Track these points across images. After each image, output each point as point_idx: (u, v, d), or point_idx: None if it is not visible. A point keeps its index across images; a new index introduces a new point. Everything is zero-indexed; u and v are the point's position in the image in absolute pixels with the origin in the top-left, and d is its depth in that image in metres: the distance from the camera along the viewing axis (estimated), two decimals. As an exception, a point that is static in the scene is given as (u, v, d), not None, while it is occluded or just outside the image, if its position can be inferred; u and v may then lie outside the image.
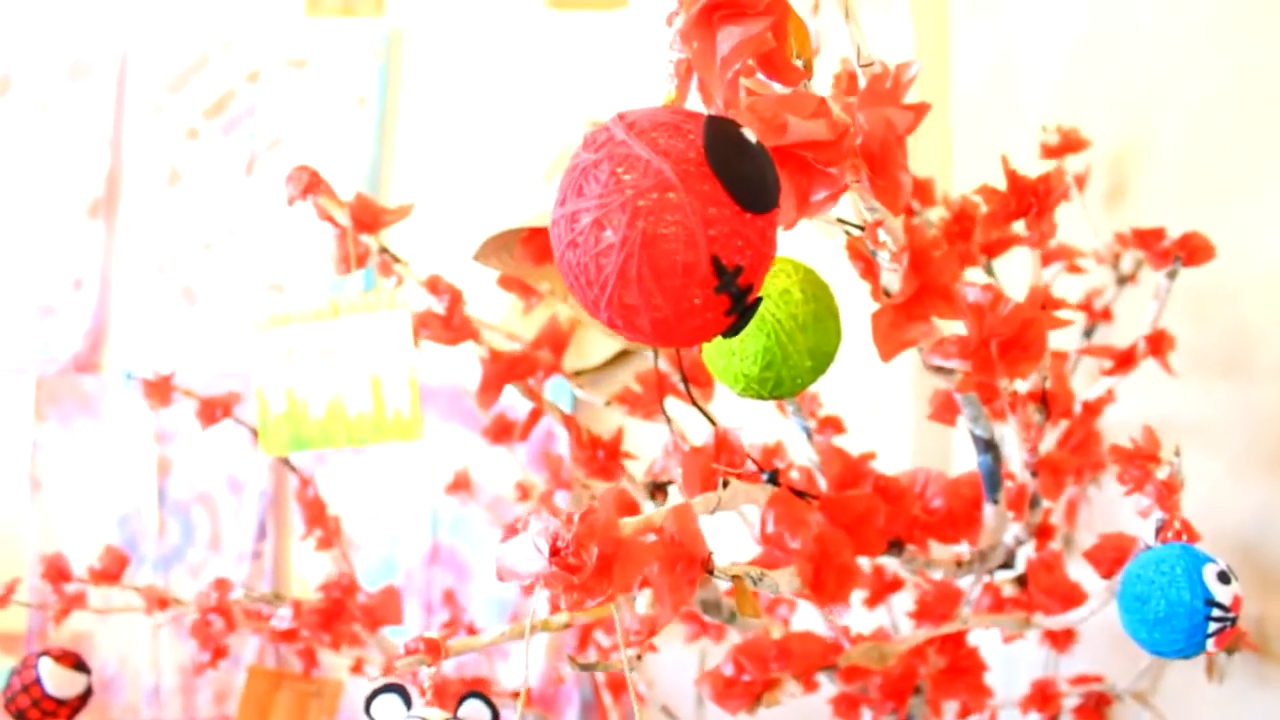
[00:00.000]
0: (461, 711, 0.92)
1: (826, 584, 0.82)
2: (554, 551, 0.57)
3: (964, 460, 2.07)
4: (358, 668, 1.79)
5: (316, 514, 1.55)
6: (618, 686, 1.79)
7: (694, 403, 0.89)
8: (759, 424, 1.30)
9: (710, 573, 0.69)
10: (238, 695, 2.20)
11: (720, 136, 0.48)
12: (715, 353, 0.83)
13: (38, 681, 1.46)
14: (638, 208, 0.47)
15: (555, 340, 1.21)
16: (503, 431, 1.58)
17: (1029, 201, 0.87)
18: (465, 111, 2.23)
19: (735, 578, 0.70)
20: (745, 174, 0.48)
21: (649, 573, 0.66)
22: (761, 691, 0.91)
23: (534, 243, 0.96)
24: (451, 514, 2.13)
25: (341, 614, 1.26)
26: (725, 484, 0.82)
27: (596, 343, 1.96)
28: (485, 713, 0.92)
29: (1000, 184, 1.00)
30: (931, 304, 0.83)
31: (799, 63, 0.55)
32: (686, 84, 0.54)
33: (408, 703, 0.91)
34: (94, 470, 2.24)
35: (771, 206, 0.49)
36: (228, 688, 2.18)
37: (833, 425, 1.50)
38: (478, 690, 0.92)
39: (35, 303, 2.31)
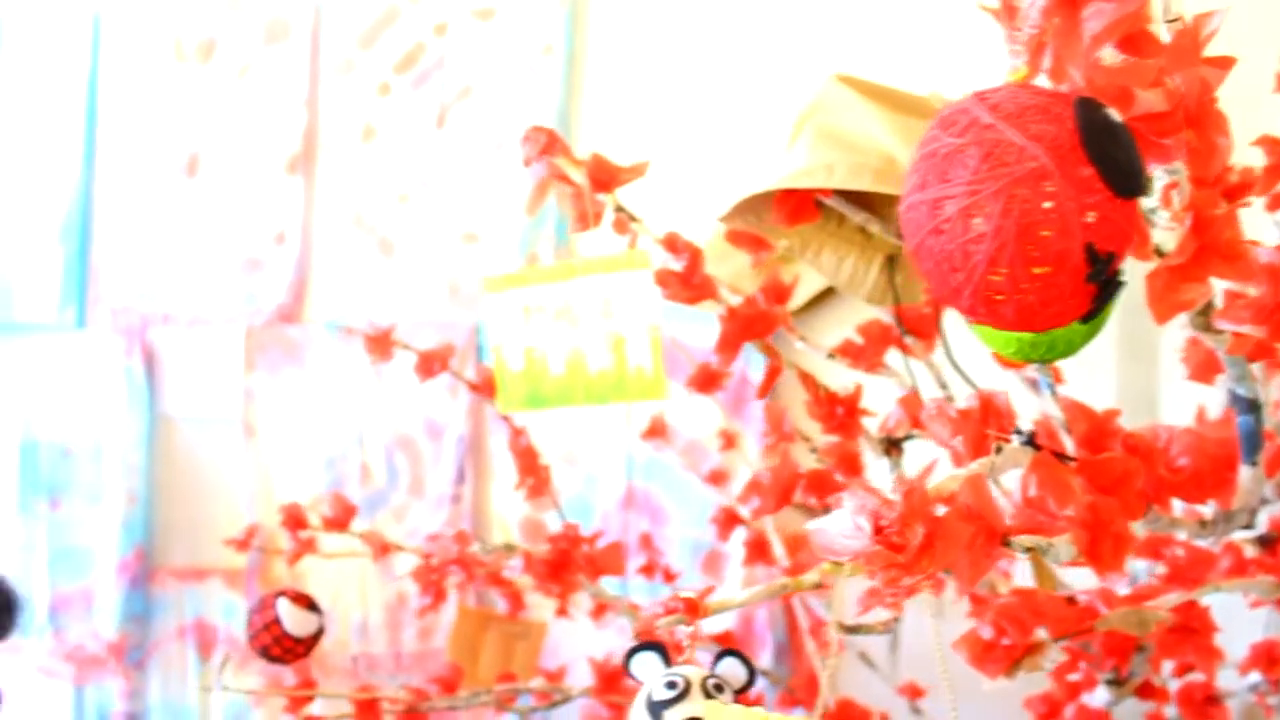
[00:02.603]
0: (718, 669, 0.93)
1: (1103, 552, 0.81)
2: (877, 530, 0.57)
3: (1171, 403, 2.00)
4: (563, 610, 1.84)
5: (529, 463, 1.59)
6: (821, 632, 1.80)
7: (951, 361, 0.88)
8: (976, 374, 1.28)
9: (1007, 544, 0.68)
10: (441, 631, 2.29)
11: (1094, 120, 0.47)
12: (984, 316, 0.82)
13: (278, 620, 1.55)
14: (1012, 195, 0.46)
15: (778, 293, 1.21)
16: (708, 381, 1.59)
17: (1321, 153, 0.83)
18: (657, 57, 2.23)
19: (1031, 550, 0.69)
20: (1119, 159, 0.46)
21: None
22: (1022, 656, 0.90)
23: (788, 203, 0.95)
24: (646, 458, 2.15)
25: (569, 565, 1.29)
26: (998, 449, 0.80)
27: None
28: (741, 671, 0.94)
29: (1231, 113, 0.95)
30: (1212, 265, 0.79)
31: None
32: (1039, 60, 0.52)
33: (666, 660, 0.93)
34: (302, 416, 2.34)
35: (1143, 190, 0.47)
36: (432, 624, 2.27)
37: (1052, 373, 1.47)
38: (734, 648, 0.94)
39: (242, 257, 2.41)
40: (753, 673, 0.94)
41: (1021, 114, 0.47)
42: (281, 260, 2.39)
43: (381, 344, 1.45)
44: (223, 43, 2.44)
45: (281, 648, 1.55)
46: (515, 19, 2.29)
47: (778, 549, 1.84)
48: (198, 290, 2.43)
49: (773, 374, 1.11)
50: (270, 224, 2.40)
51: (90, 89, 2.52)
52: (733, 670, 0.93)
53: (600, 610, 1.76)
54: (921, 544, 0.57)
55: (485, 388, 1.56)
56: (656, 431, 2.03)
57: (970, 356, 1.36)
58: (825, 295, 2.00)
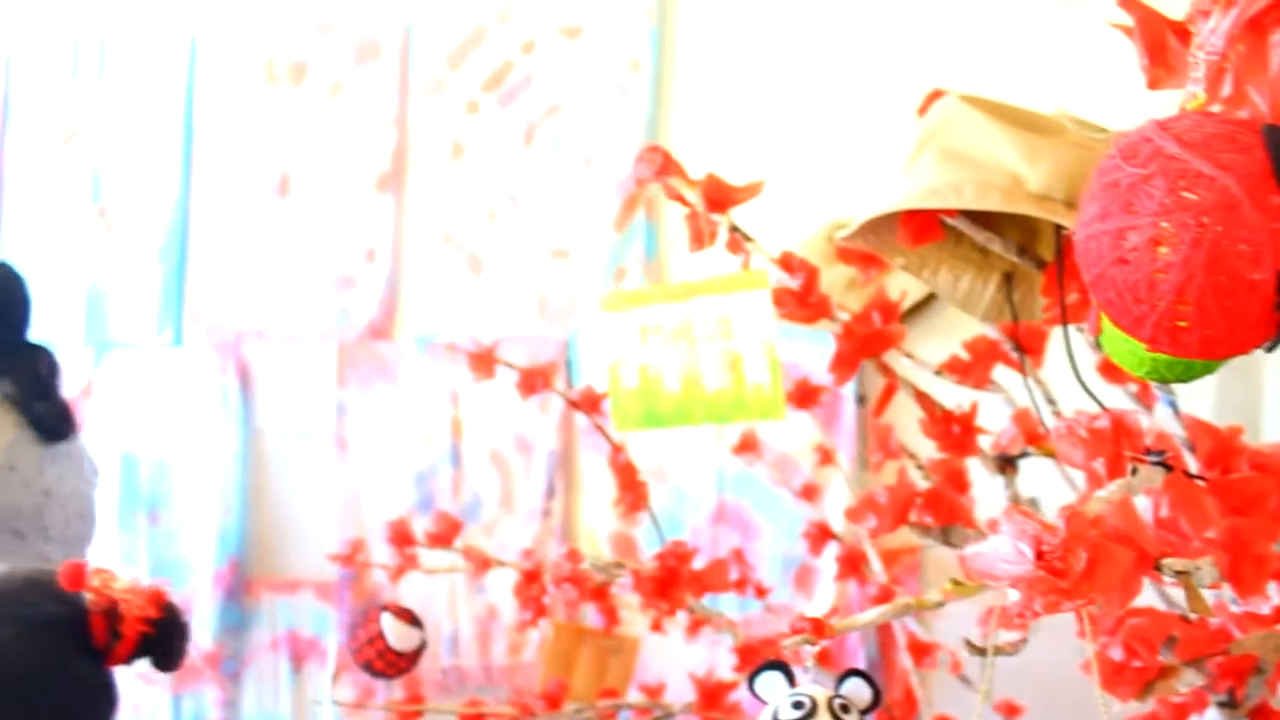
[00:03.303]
0: (843, 689, 0.93)
1: (1244, 574, 0.79)
2: (1039, 555, 0.57)
3: (1274, 416, 1.97)
4: (658, 626, 1.84)
5: (628, 479, 1.60)
6: (920, 651, 1.79)
7: (1077, 378, 0.87)
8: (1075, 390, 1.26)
9: (1157, 568, 0.68)
10: (531, 646, 2.30)
11: (1285, 148, 0.46)
12: (1120, 335, 0.81)
13: (381, 635, 1.57)
14: (1202, 225, 0.46)
15: (886, 310, 1.21)
16: (806, 397, 1.58)
17: None
18: (745, 71, 2.24)
19: (1182, 574, 0.68)
20: (1312, 187, 0.46)
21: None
22: (1154, 679, 0.89)
23: (913, 223, 0.95)
24: (736, 472, 2.15)
25: (676, 582, 1.29)
26: (1134, 470, 0.80)
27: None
28: (867, 691, 0.93)
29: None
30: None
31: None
32: (1218, 86, 0.52)
33: (790, 680, 0.93)
34: (392, 431, 2.37)
35: (1334, 216, 0.47)
36: (522, 639, 2.28)
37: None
38: (859, 670, 0.94)
39: (333, 274, 2.45)
40: (878, 693, 0.94)
41: (1207, 143, 0.47)
42: (372, 277, 2.42)
43: (484, 361, 1.47)
44: (314, 64, 2.49)
45: (384, 661, 1.57)
46: (602, 36, 2.31)
47: (875, 564, 1.83)
48: (290, 307, 2.48)
49: (889, 392, 1.11)
50: (361, 242, 2.44)
51: (187, 111, 2.58)
52: (858, 690, 0.93)
53: (695, 626, 1.76)
54: (1085, 569, 0.57)
55: (585, 404, 1.57)
56: (747, 446, 2.02)
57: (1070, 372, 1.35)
58: (917, 307, 1.99)
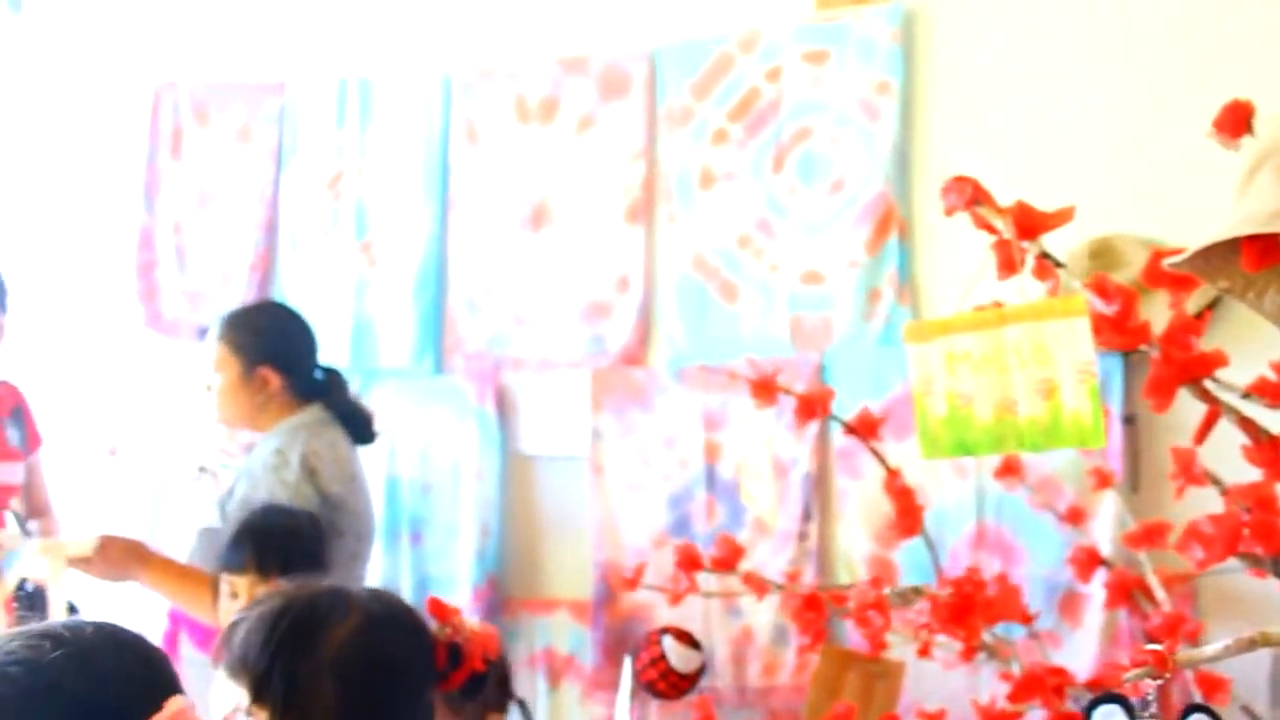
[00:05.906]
0: (1187, 725, 0.91)
1: None
2: None
3: None
4: (925, 650, 1.82)
5: (906, 504, 1.60)
6: (1211, 686, 1.71)
7: None
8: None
9: None
10: (786, 669, 2.31)
11: None
12: None
13: (664, 657, 1.62)
14: None
15: (1191, 330, 1.17)
16: (1087, 421, 1.54)
17: None
18: (993, 90, 2.21)
19: None
20: None
21: None
22: None
23: (1255, 246, 0.93)
24: (995, 494, 2.11)
25: (972, 609, 1.28)
26: None
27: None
28: (1211, 727, 0.91)
29: None
30: None
31: None
32: None
33: (1130, 714, 0.92)
34: (647, 455, 2.43)
35: None
36: (777, 660, 2.29)
37: None
38: (1202, 705, 0.91)
39: (587, 303, 2.53)
40: (1223, 729, 0.91)
41: None
42: (625, 305, 2.49)
43: (766, 388, 1.50)
44: (564, 100, 2.58)
45: (667, 683, 1.62)
46: (848, 59, 2.31)
47: (1159, 593, 1.77)
48: (546, 336, 2.57)
49: (1211, 419, 1.08)
50: (613, 271, 2.51)
51: (442, 149, 2.70)
52: (1202, 726, 0.91)
53: (970, 652, 1.73)
54: None
55: (861, 428, 1.58)
56: (1010, 470, 1.99)
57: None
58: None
